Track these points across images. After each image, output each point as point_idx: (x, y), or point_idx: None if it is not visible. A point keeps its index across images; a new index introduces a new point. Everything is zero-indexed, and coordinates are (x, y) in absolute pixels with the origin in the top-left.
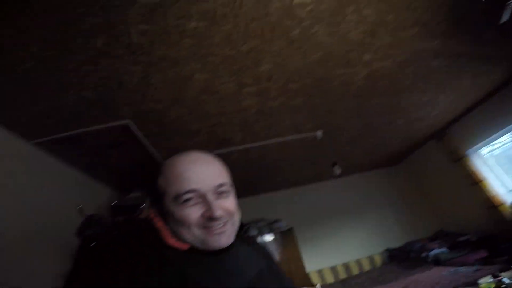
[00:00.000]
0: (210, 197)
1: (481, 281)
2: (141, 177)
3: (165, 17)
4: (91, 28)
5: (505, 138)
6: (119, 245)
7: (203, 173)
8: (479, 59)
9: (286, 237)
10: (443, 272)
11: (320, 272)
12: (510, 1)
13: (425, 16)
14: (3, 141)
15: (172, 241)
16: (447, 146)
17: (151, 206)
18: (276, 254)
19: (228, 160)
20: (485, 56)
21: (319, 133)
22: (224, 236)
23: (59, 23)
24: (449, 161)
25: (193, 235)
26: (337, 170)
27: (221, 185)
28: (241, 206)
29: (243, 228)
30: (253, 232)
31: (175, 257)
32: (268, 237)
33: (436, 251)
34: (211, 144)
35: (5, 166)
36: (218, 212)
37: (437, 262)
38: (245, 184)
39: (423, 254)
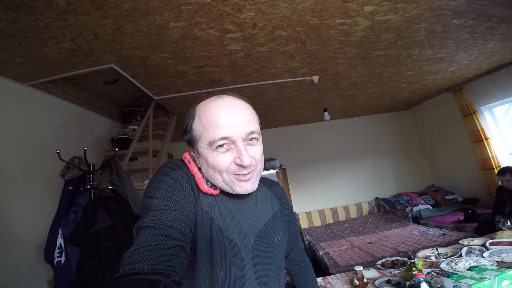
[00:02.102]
0: (241, 144)
1: (419, 253)
2: (138, 109)
3: None
4: None
5: None
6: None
7: (235, 120)
8: None
9: (278, 175)
10: (414, 231)
11: (308, 214)
12: None
13: None
14: None
15: (205, 188)
16: (460, 100)
17: (187, 147)
18: None
19: None
20: None
21: (315, 78)
22: (250, 182)
23: None
24: (459, 115)
25: (223, 179)
26: (327, 117)
27: (251, 133)
28: None
29: None
30: None
31: (206, 202)
32: (271, 172)
33: (420, 207)
34: (201, 83)
35: (2, 108)
36: (247, 160)
37: (417, 218)
38: None
39: (407, 209)
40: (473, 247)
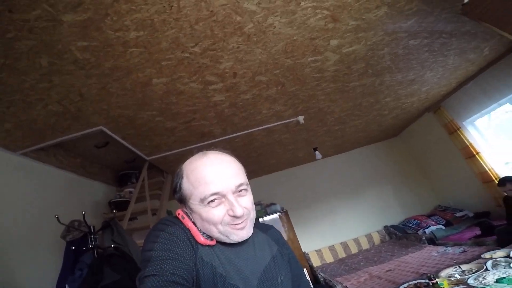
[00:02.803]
0: (231, 197)
1: (442, 273)
2: (132, 172)
3: (101, 31)
4: (29, 50)
5: (502, 109)
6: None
7: (223, 175)
8: (464, 36)
9: (282, 218)
10: (433, 252)
11: (318, 252)
12: None
13: None
14: None
15: (202, 240)
16: (442, 118)
17: (179, 204)
18: (283, 232)
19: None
20: (470, 33)
21: (300, 118)
22: (245, 230)
23: None
24: (445, 134)
25: (219, 231)
26: (318, 155)
27: (240, 185)
28: None
29: None
30: None
31: (205, 253)
32: (274, 217)
33: (432, 228)
34: (192, 138)
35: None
36: (240, 211)
37: (432, 240)
38: None
39: (420, 231)
40: (498, 259)
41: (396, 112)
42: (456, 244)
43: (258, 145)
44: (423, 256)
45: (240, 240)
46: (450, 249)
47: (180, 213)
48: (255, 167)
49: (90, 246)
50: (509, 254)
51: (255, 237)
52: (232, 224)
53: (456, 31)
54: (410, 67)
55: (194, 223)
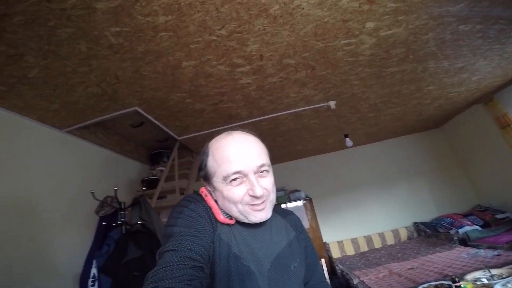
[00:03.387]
0: (252, 177)
1: (468, 276)
2: (164, 151)
3: (132, 17)
4: (69, 37)
5: None
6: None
7: (247, 155)
8: None
9: (306, 206)
10: (463, 254)
11: (340, 243)
12: None
13: None
14: (39, 132)
15: (221, 218)
16: (494, 111)
17: (204, 182)
18: (306, 220)
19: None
20: None
21: (331, 103)
22: (264, 212)
23: (38, 35)
24: (495, 128)
25: (239, 210)
26: (349, 143)
27: (261, 165)
28: None
29: None
30: None
31: (223, 231)
32: (297, 204)
33: (467, 228)
34: (220, 120)
35: (45, 153)
36: (259, 191)
37: (464, 241)
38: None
39: (452, 231)
40: None
41: (439, 102)
42: (490, 247)
43: (285, 130)
44: (451, 257)
45: (258, 221)
46: (482, 252)
47: (203, 190)
48: (281, 152)
49: (119, 222)
50: None
51: (273, 221)
52: (251, 204)
53: None
54: (459, 54)
55: (216, 201)
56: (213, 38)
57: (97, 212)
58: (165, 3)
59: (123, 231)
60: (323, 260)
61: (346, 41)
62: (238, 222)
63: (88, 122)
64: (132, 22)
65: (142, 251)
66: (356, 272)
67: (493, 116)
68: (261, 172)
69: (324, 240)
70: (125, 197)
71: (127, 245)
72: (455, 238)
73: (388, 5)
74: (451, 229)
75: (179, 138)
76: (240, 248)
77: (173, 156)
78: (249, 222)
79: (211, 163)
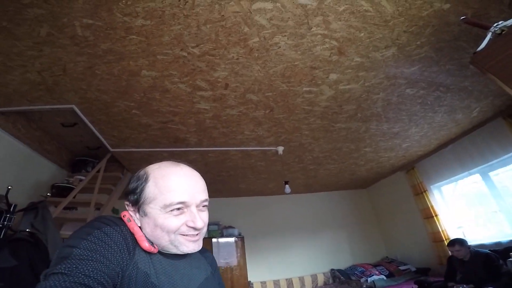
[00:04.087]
0: (194, 209)
1: None
2: (90, 160)
3: (111, 13)
4: (35, 18)
5: (469, 179)
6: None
7: (193, 188)
8: (459, 92)
9: (237, 244)
10: None
11: (263, 284)
12: (495, 24)
13: (404, 37)
14: None
15: (146, 246)
16: (412, 179)
17: (132, 206)
18: (235, 257)
19: (186, 159)
20: (466, 90)
21: (280, 149)
22: (197, 243)
23: (4, 11)
24: (411, 194)
25: (170, 240)
26: (287, 189)
27: (205, 200)
28: None
29: None
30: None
31: (141, 260)
32: (229, 240)
33: (374, 277)
34: (164, 140)
35: None
36: (200, 224)
37: None
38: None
39: (362, 279)
40: None
41: (371, 165)
42: None
43: (232, 166)
44: None
45: (190, 251)
46: None
47: (126, 215)
48: (224, 187)
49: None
50: None
51: (193, 255)
52: (187, 235)
53: (454, 85)
54: (398, 119)
55: (140, 228)
56: (183, 54)
57: None
58: (150, 7)
59: (0, 236)
60: None
61: (308, 89)
62: (159, 252)
63: (12, 108)
64: (109, 17)
65: (18, 262)
66: None
67: (410, 183)
68: (202, 206)
69: (249, 279)
70: (25, 200)
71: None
72: (364, 286)
73: (354, 59)
74: (362, 277)
75: (112, 150)
76: (159, 278)
77: (100, 167)
78: (178, 253)
79: (151, 189)
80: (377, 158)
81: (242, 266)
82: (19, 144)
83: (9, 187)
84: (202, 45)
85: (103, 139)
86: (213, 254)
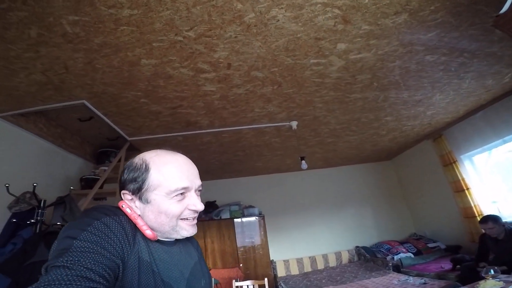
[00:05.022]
0: (194, 194)
1: None
2: (112, 150)
3: (94, 7)
4: (20, 21)
5: (504, 147)
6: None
7: (193, 174)
8: (487, 58)
9: (259, 222)
10: (394, 280)
11: (286, 262)
12: None
13: (414, 2)
14: None
15: (149, 233)
16: (440, 148)
17: (132, 194)
18: (258, 236)
19: (200, 142)
20: (495, 56)
21: (293, 124)
22: (195, 227)
23: None
24: (439, 165)
25: (172, 225)
26: (304, 165)
27: (201, 185)
28: (218, 187)
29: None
30: (225, 215)
31: (142, 249)
32: (251, 219)
33: (401, 255)
34: (177, 125)
35: None
36: (201, 206)
37: (398, 267)
38: (222, 166)
39: (388, 257)
40: None
41: (394, 134)
42: (419, 275)
43: (246, 144)
44: (383, 283)
45: (189, 235)
46: (411, 279)
47: (125, 204)
48: (240, 166)
49: (33, 221)
50: None
51: (182, 241)
52: (187, 219)
53: (480, 51)
54: (419, 86)
55: (140, 216)
56: (179, 39)
57: (10, 208)
58: None
59: (36, 231)
60: (266, 279)
61: (315, 61)
62: (156, 240)
63: (27, 109)
64: (94, 12)
65: None
66: None
67: (438, 153)
68: (198, 191)
69: (271, 258)
70: (57, 194)
71: (37, 246)
72: (390, 264)
73: (362, 27)
74: (388, 255)
75: (129, 139)
76: (158, 265)
77: (120, 156)
78: (178, 237)
79: (155, 176)
80: (400, 127)
81: (264, 245)
82: (44, 142)
83: (35, 184)
84: (196, 28)
85: (119, 130)
86: (237, 234)
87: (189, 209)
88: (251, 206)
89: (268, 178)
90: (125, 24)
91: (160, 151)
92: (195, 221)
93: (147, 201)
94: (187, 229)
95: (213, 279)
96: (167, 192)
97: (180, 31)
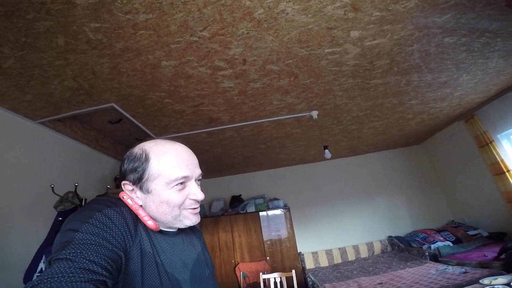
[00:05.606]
0: (194, 183)
1: None
2: None
3: (112, 13)
4: (47, 30)
5: None
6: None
7: (192, 163)
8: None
9: (285, 215)
10: (431, 270)
11: (314, 254)
12: None
13: None
14: (10, 122)
15: (151, 224)
16: (473, 129)
17: (132, 185)
18: (284, 229)
19: (223, 137)
20: None
21: (314, 113)
22: (197, 216)
23: (16, 27)
24: (474, 146)
25: (174, 215)
26: (328, 154)
27: (200, 174)
28: (242, 181)
29: (241, 204)
30: (251, 208)
31: (144, 241)
32: (276, 212)
33: (439, 244)
34: (200, 122)
35: (15, 143)
36: (202, 195)
37: (435, 256)
38: (245, 160)
39: (425, 246)
40: (495, 286)
41: (421, 117)
42: (459, 264)
43: (267, 137)
44: (420, 273)
45: (192, 224)
46: (450, 269)
47: (126, 195)
48: (264, 159)
49: None
50: (510, 282)
51: (185, 231)
52: (190, 208)
53: (502, 30)
54: (443, 68)
55: (141, 207)
56: (194, 39)
57: (55, 207)
58: (146, 1)
59: None
60: (293, 271)
61: (330, 50)
62: (158, 231)
63: (63, 114)
64: (112, 18)
65: None
66: (327, 285)
67: (472, 134)
68: (198, 180)
69: (299, 251)
70: (95, 193)
71: None
72: (426, 253)
73: (373, 14)
74: (424, 244)
75: (156, 138)
76: (160, 256)
77: None
78: (181, 227)
79: (155, 166)
80: (427, 110)
81: (291, 238)
82: (80, 144)
83: (76, 184)
84: (209, 27)
85: (147, 130)
86: (263, 227)
87: (190, 199)
88: (275, 199)
89: (292, 169)
90: (143, 28)
91: (159, 140)
92: (198, 209)
93: (148, 191)
94: (190, 218)
95: (241, 272)
96: (167, 182)
97: (194, 32)
